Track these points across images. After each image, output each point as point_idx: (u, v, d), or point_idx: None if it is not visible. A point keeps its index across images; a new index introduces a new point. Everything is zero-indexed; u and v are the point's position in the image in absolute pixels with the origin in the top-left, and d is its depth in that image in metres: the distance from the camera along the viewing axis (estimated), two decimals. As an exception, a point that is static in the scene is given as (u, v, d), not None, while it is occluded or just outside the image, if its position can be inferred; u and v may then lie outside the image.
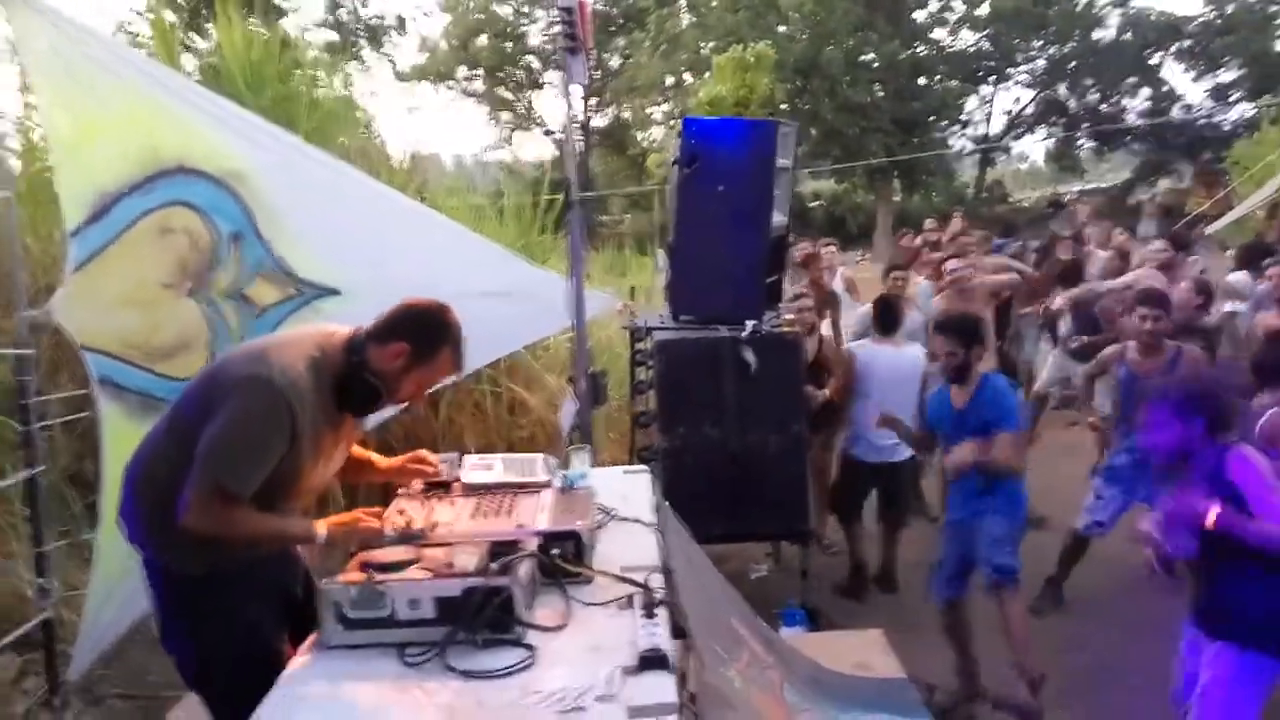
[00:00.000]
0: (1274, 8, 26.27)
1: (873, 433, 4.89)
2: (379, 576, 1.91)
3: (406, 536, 2.14)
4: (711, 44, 26.77)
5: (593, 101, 31.80)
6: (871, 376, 5.03)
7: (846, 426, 5.25)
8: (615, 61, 31.86)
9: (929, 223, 11.39)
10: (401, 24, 31.62)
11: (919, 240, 9.75)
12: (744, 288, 4.44)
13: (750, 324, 4.39)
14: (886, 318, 5.17)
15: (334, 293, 3.94)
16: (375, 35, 31.04)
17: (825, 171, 28.20)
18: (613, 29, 31.78)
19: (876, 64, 28.39)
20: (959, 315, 4.33)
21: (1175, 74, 28.62)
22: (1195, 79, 28.48)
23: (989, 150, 30.84)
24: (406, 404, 2.58)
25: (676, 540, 2.63)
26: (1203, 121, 27.36)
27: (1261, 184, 11.25)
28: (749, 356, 4.33)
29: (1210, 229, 10.85)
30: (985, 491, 3.94)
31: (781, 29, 27.63)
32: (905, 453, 5.05)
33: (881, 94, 27.74)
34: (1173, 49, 28.08)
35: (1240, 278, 6.45)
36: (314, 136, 5.57)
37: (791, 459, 4.43)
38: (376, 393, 2.39)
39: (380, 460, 2.75)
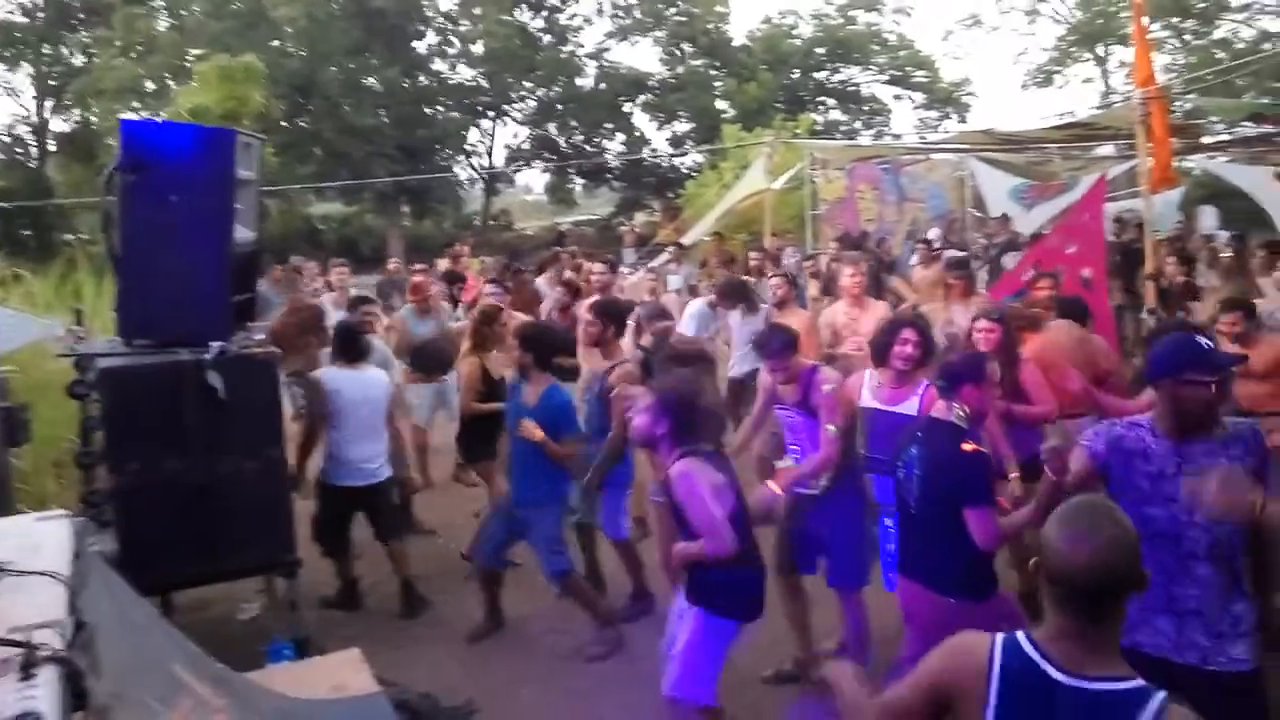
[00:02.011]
0: (714, 73, 31.51)
1: (352, 457, 5.04)
2: None
3: None
4: (198, 51, 24.66)
5: (49, 103, 27.45)
6: (339, 402, 5.03)
7: (322, 454, 5.14)
8: (79, 59, 27.83)
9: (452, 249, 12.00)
10: None
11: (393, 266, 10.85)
12: (207, 307, 4.08)
13: (216, 345, 4.07)
14: (349, 345, 5.17)
15: None
16: None
17: (333, 193, 27.54)
18: (74, 21, 27.77)
19: (380, 89, 28.49)
20: (534, 328, 5.09)
21: (644, 122, 32.84)
22: (658, 128, 33.01)
23: (494, 180, 32.57)
24: None
25: (101, 589, 2.31)
26: (666, 165, 31.78)
27: (704, 217, 13.37)
28: (215, 381, 4.00)
29: (662, 258, 12.56)
30: (535, 488, 4.67)
31: (274, 43, 26.42)
32: (386, 473, 5.22)
33: (386, 119, 27.87)
34: (640, 101, 32.23)
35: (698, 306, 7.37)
36: None
37: (270, 487, 4.18)
38: None
39: None
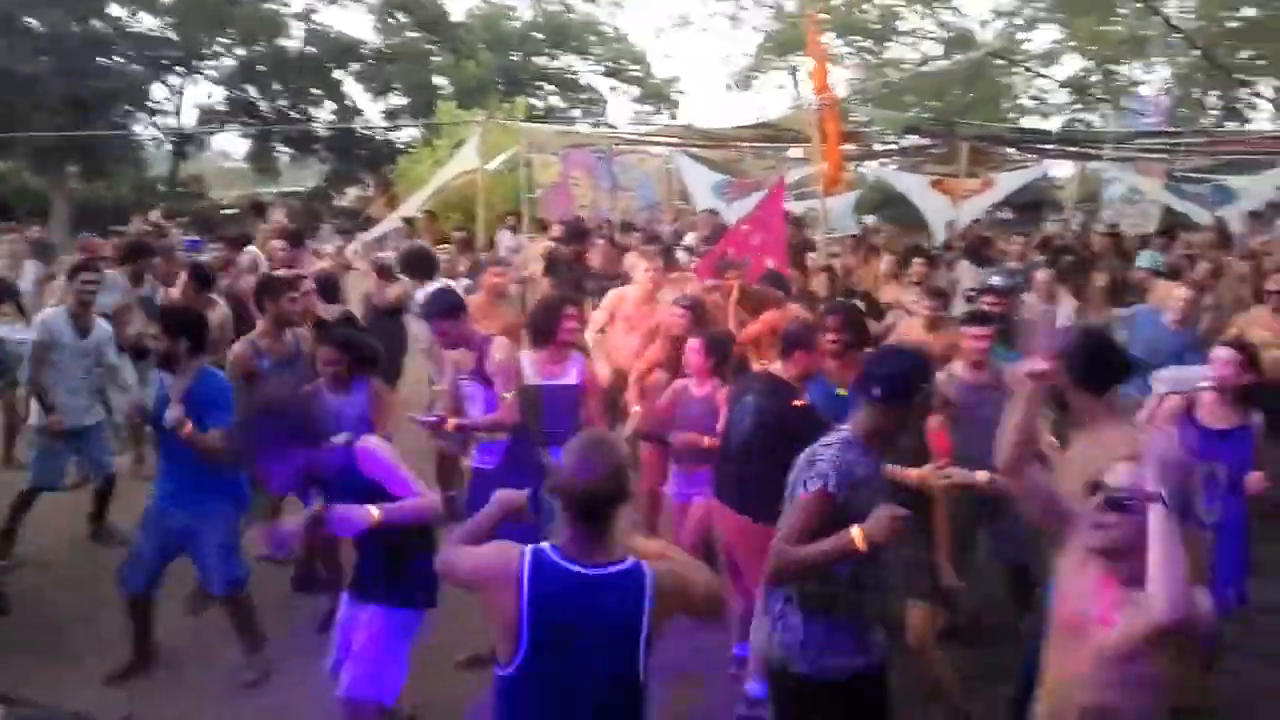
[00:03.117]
0: (430, 47, 30.69)
1: None
2: None
3: None
4: None
5: None
6: None
7: None
8: None
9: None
10: None
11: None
12: None
13: None
14: None
15: None
16: None
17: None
18: None
19: (42, 31, 24.92)
20: (176, 309, 4.55)
21: (356, 92, 31.27)
22: (372, 99, 31.61)
23: (183, 142, 29.63)
24: None
25: None
26: (380, 138, 30.53)
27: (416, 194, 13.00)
28: None
29: (377, 230, 12.11)
30: (198, 489, 4.05)
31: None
32: None
33: (49, 66, 24.43)
34: (352, 69, 30.68)
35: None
36: None
37: None
38: None
39: None
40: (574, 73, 33.46)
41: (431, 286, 6.46)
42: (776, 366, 3.95)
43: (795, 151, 13.80)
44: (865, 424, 2.83)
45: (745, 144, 13.43)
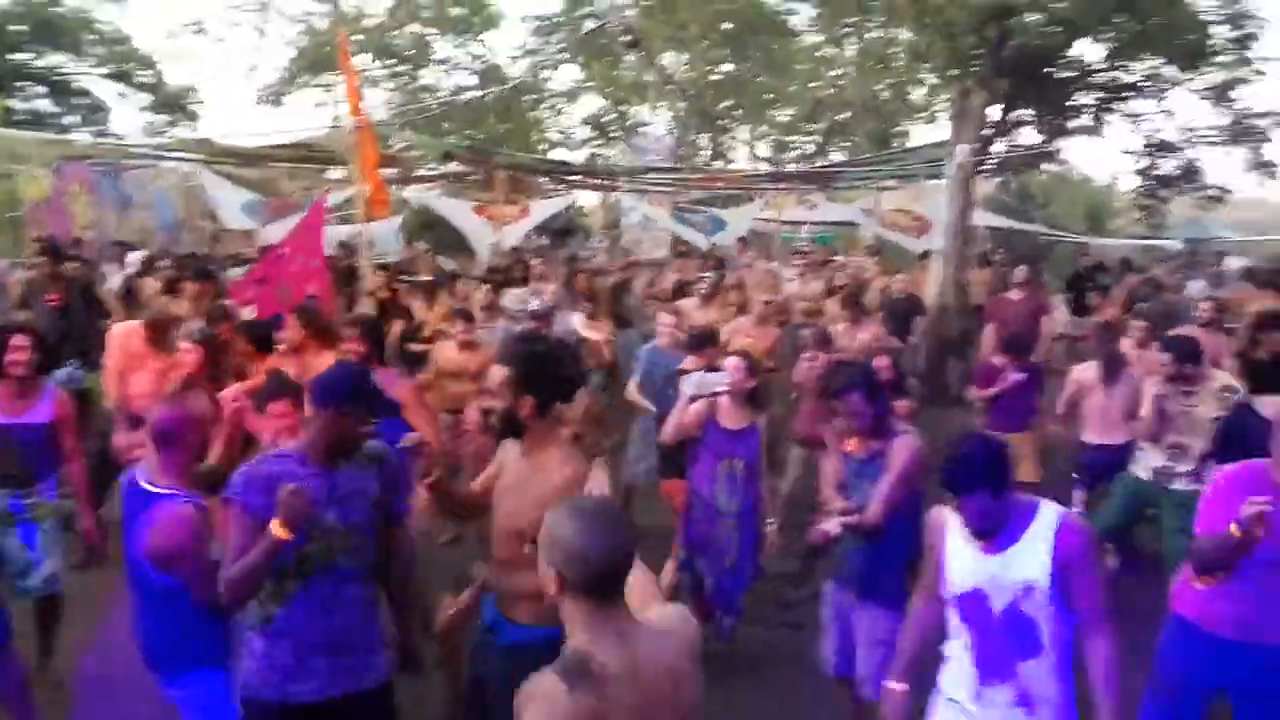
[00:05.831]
0: None
1: None
2: None
3: None
4: None
5: None
6: None
7: None
8: None
9: None
10: None
11: None
12: None
13: None
14: None
15: None
16: None
17: None
18: None
19: None
20: None
21: None
22: None
23: None
24: None
25: None
26: None
27: None
28: None
29: None
30: None
31: None
32: None
33: None
34: None
35: None
36: None
37: None
38: None
39: None
40: (66, 74, 28.96)
41: None
42: None
43: (335, 173, 13.36)
44: (309, 435, 2.86)
45: (281, 164, 12.69)
